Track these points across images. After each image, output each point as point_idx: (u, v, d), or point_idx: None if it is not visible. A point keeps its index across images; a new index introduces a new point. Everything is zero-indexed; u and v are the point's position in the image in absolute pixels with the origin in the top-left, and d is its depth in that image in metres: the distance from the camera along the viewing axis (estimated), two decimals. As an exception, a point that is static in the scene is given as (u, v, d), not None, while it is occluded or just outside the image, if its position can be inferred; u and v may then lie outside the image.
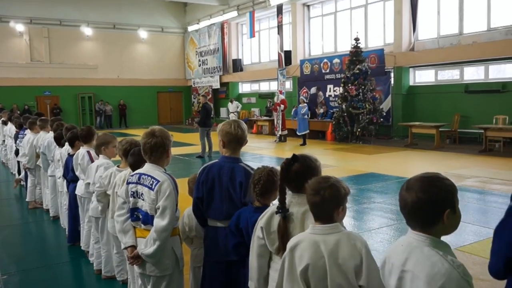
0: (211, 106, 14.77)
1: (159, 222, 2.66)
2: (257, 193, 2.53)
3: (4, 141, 11.87)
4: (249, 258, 2.38)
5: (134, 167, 3.11)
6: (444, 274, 1.51)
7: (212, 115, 14.84)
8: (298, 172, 2.21)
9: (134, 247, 2.83)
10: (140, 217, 2.80)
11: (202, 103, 14.18)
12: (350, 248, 1.90)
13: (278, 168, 2.63)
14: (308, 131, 15.70)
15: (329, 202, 1.96)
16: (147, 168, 2.81)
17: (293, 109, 18.24)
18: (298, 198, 2.22)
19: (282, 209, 2.18)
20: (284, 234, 2.16)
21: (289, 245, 2.00)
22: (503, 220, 1.87)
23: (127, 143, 3.57)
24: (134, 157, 3.21)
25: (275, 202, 2.58)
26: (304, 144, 15.38)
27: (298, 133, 15.82)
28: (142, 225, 2.81)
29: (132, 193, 2.83)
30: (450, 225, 1.65)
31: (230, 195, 2.74)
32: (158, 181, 2.70)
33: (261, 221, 2.29)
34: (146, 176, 2.76)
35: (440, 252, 1.58)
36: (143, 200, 2.76)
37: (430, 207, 1.61)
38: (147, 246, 2.71)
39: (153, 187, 2.70)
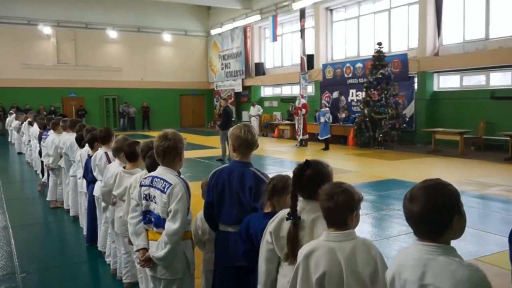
0: (231, 110, 14.85)
1: (171, 225, 2.66)
2: (268, 197, 2.50)
3: (30, 141, 12.14)
4: (258, 263, 2.37)
5: (150, 169, 3.10)
6: (467, 281, 1.50)
7: (233, 118, 14.94)
8: (311, 178, 2.20)
9: (146, 249, 2.84)
10: (152, 220, 2.81)
11: (223, 106, 14.25)
12: (366, 255, 1.91)
13: (279, 170, 2.62)
14: (329, 135, 15.58)
15: (343, 208, 1.95)
16: (160, 171, 2.82)
17: (316, 114, 18.19)
18: (309, 205, 2.20)
19: (294, 216, 2.15)
20: (294, 241, 2.14)
21: (303, 252, 1.98)
22: None
23: (129, 147, 3.61)
24: (150, 159, 3.21)
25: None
26: (326, 148, 15.26)
27: (320, 138, 15.72)
28: (154, 228, 2.82)
29: (144, 195, 2.84)
30: (459, 230, 1.64)
31: (240, 200, 2.73)
32: (170, 184, 2.70)
33: (271, 226, 2.28)
34: (158, 179, 2.77)
35: (456, 259, 1.56)
36: (155, 203, 2.77)
37: (438, 216, 1.59)
38: (158, 249, 2.72)
39: (165, 190, 2.71)
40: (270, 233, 2.25)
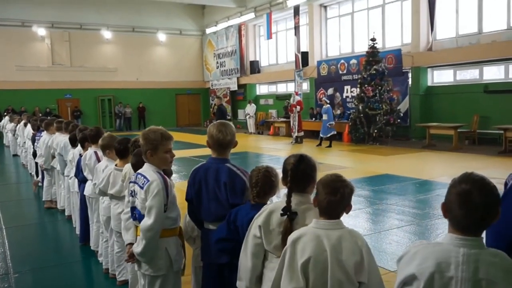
0: (225, 108, 14.91)
1: (146, 221, 2.68)
2: (254, 195, 2.53)
3: (25, 143, 12.12)
4: (239, 259, 2.37)
5: (135, 167, 3.13)
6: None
7: (228, 117, 15.05)
8: (305, 172, 2.24)
9: (132, 245, 2.88)
10: (136, 216, 2.85)
11: (218, 104, 14.32)
12: (352, 245, 1.93)
13: (275, 167, 2.64)
14: (334, 132, 15.30)
15: (345, 200, 2.01)
16: (144, 167, 2.86)
17: (310, 111, 18.19)
18: (300, 198, 2.23)
19: (290, 211, 2.17)
20: (289, 233, 2.14)
21: (291, 237, 2.01)
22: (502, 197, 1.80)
23: (120, 144, 3.63)
24: (136, 157, 3.23)
25: (272, 199, 2.59)
26: (328, 146, 15.09)
27: (323, 136, 15.40)
28: (138, 223, 2.85)
29: (131, 192, 2.89)
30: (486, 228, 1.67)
31: (217, 196, 2.74)
32: (148, 181, 2.73)
33: (259, 219, 2.27)
34: (140, 176, 2.81)
35: (495, 251, 1.60)
36: (137, 199, 2.82)
37: (494, 213, 1.57)
38: (138, 245, 2.76)
39: (143, 186, 2.74)
40: (259, 226, 2.25)
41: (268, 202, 2.52)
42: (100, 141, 4.06)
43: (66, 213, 6.69)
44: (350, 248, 1.92)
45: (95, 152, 4.50)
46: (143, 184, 2.75)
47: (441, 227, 5.81)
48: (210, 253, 2.77)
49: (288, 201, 2.19)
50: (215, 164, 2.80)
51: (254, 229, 2.29)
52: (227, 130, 2.79)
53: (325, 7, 21.26)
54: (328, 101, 16.17)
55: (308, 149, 15.01)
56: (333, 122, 15.33)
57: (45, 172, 7.57)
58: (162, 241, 2.76)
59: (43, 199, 7.66)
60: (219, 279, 2.76)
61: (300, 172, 2.22)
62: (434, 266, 1.58)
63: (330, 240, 1.94)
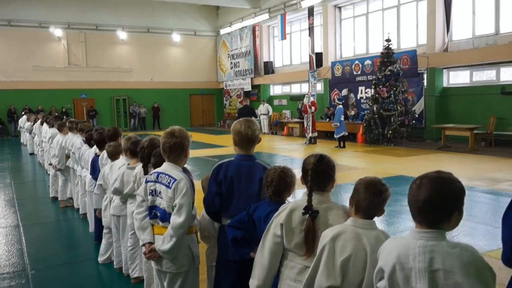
0: (253, 108, 15.96)
1: (176, 219, 2.72)
2: (270, 194, 2.55)
3: (42, 141, 12.27)
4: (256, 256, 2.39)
5: (156, 167, 3.14)
6: (473, 262, 1.59)
7: (257, 119, 15.90)
8: (325, 171, 2.27)
9: (151, 243, 2.90)
10: (158, 214, 2.87)
11: (243, 105, 15.42)
12: None
13: (294, 168, 2.65)
14: (345, 133, 15.31)
15: (384, 203, 2.09)
16: (165, 167, 2.88)
17: (327, 111, 18.10)
18: (321, 197, 2.25)
19: (312, 211, 2.19)
20: (313, 235, 2.18)
21: (329, 234, 2.03)
22: (509, 207, 1.87)
23: (132, 144, 3.66)
24: (156, 158, 3.25)
25: (288, 200, 2.60)
26: (342, 146, 15.12)
27: (336, 136, 15.47)
28: (160, 222, 2.87)
29: (150, 191, 2.90)
30: (453, 226, 1.69)
31: (248, 194, 2.77)
32: (175, 180, 2.76)
33: (280, 217, 2.28)
34: (164, 175, 2.83)
35: (457, 243, 1.65)
36: (161, 198, 2.83)
37: (441, 208, 1.64)
38: (164, 242, 2.78)
39: (170, 185, 2.76)
40: (281, 225, 2.26)
41: (287, 201, 2.53)
42: (122, 146, 4.10)
43: (81, 212, 6.78)
44: None
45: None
46: (169, 183, 2.78)
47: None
48: (228, 251, 2.79)
49: (309, 200, 2.21)
50: (246, 161, 2.85)
51: (274, 228, 2.29)
52: (252, 126, 2.85)
53: (340, 8, 21.19)
54: (340, 102, 16.13)
55: (322, 149, 14.97)
56: (338, 123, 15.25)
57: (59, 172, 7.65)
58: (185, 238, 2.81)
59: (59, 199, 7.76)
60: (238, 277, 2.77)
61: (320, 171, 2.25)
62: (395, 258, 1.68)
63: (369, 239, 1.99)
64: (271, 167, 2.66)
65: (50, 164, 8.22)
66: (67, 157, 7.11)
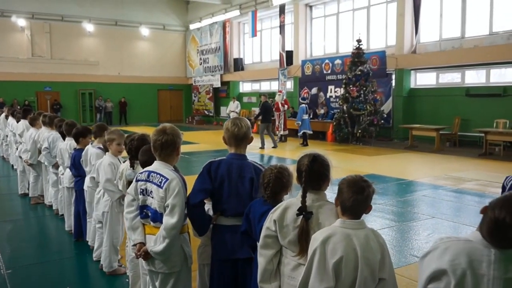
0: (270, 105, 16.00)
1: (169, 220, 2.67)
2: (267, 195, 2.56)
3: (7, 136, 11.85)
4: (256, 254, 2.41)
5: (144, 165, 3.06)
6: None
7: (273, 117, 16.23)
8: (319, 171, 2.29)
9: (142, 243, 2.85)
10: (149, 214, 2.82)
11: (263, 101, 15.42)
12: (376, 244, 2.03)
13: (289, 167, 2.67)
14: (305, 131, 15.47)
15: (369, 200, 2.09)
16: (156, 165, 2.82)
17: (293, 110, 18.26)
18: (315, 195, 2.28)
19: (306, 212, 2.21)
20: (305, 234, 2.20)
21: (320, 238, 2.03)
22: None
23: (132, 141, 3.55)
24: (145, 155, 3.14)
25: (285, 198, 2.62)
26: (303, 144, 15.35)
27: (300, 133, 15.70)
28: (152, 222, 2.82)
29: (141, 190, 2.84)
30: None
31: (238, 192, 2.77)
32: (167, 179, 2.71)
33: (274, 214, 2.31)
34: (155, 174, 2.77)
35: None
36: (152, 197, 2.77)
37: None
38: (156, 243, 2.73)
39: (162, 185, 2.71)
40: (274, 221, 2.29)
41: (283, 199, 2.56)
42: (106, 135, 4.02)
43: (54, 208, 6.61)
44: (375, 247, 2.02)
45: (99, 147, 4.48)
46: (160, 182, 2.72)
47: (430, 228, 5.95)
48: (224, 249, 2.79)
49: (303, 201, 2.23)
50: (237, 160, 2.84)
51: (269, 223, 2.32)
52: (242, 122, 2.85)
53: (311, 7, 21.37)
54: (304, 101, 16.39)
55: (292, 148, 15.13)
56: (300, 122, 15.49)
57: (31, 168, 7.43)
58: (178, 238, 2.77)
59: (30, 195, 7.53)
60: (232, 275, 2.77)
61: (314, 172, 2.27)
62: (467, 263, 1.64)
63: (359, 239, 2.01)
64: (267, 167, 2.66)
65: (21, 158, 7.95)
66: (39, 152, 6.90)
